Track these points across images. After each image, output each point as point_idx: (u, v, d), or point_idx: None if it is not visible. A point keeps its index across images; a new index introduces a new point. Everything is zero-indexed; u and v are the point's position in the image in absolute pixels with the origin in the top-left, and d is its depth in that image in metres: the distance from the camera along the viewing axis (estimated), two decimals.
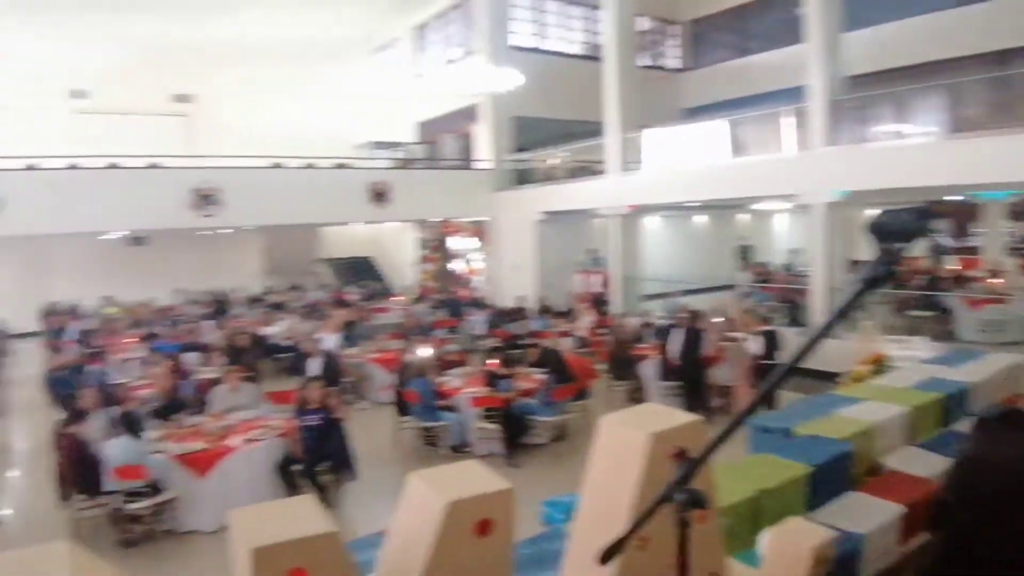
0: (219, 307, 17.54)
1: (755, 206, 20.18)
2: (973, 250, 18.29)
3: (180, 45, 19.48)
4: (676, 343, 9.92)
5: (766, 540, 2.78)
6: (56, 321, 16.54)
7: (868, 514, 3.60)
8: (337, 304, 16.90)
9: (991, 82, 11.83)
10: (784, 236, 22.67)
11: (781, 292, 15.37)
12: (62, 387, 10.05)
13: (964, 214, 17.67)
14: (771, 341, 9.98)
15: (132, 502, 6.39)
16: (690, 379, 9.77)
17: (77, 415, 7.07)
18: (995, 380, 5.49)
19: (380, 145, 21.86)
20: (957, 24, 14.61)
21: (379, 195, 17.21)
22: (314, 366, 9.93)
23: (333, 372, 9.97)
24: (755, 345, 9.45)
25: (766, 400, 8.34)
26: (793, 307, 14.25)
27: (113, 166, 14.99)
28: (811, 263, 12.58)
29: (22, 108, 20.16)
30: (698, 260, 19.62)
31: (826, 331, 1.18)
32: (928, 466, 4.16)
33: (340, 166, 18.17)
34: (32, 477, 8.75)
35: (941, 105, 11.45)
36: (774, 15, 18.82)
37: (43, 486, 7.61)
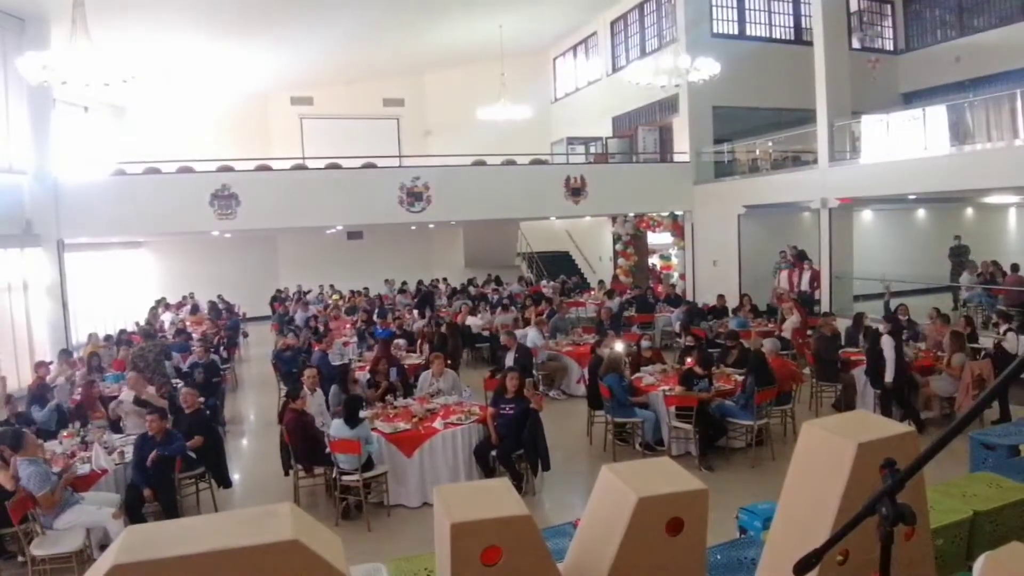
0: (425, 297, 18.57)
1: (985, 199, 18.14)
2: None
3: (392, 53, 20.80)
4: (888, 348, 9.09)
5: (981, 565, 2.52)
6: (283, 307, 18.36)
7: None
8: (534, 297, 17.31)
9: None
10: (1016, 233, 20.29)
11: (1013, 295, 13.72)
12: (288, 366, 11.15)
13: None
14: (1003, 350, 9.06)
15: (347, 474, 6.95)
16: (897, 386, 8.95)
17: (292, 393, 7.74)
18: None
19: (576, 140, 22.07)
20: None
21: (575, 190, 17.40)
22: (509, 358, 10.24)
23: (526, 364, 10.23)
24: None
25: (1000, 413, 7.55)
26: None
27: (333, 166, 16.32)
28: None
29: (254, 115, 22.52)
30: (915, 258, 18.02)
31: None
32: None
33: (537, 162, 18.56)
34: (260, 447, 9.76)
35: None
36: None
37: (270, 456, 8.44)
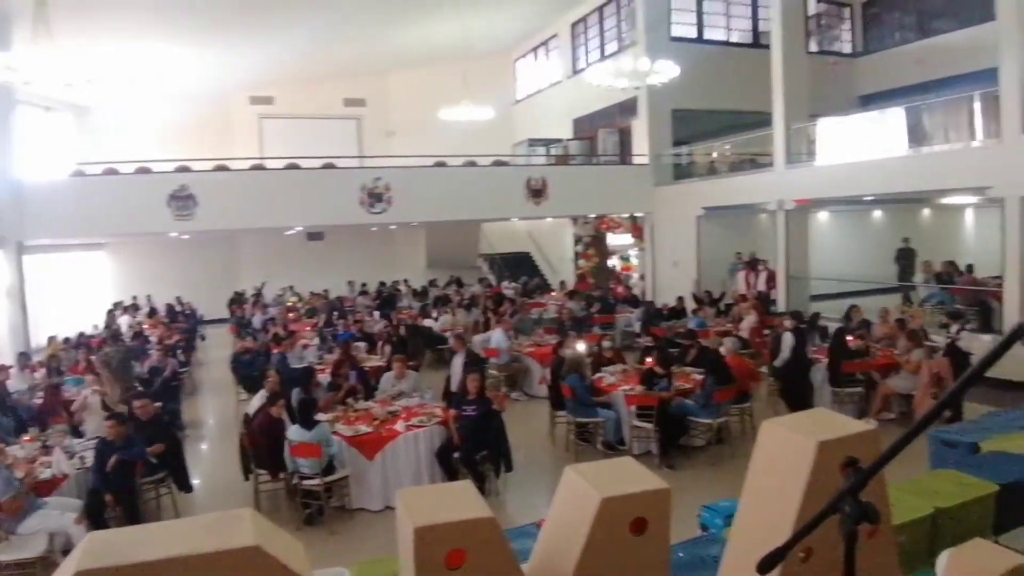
0: (386, 299, 18.45)
1: (941, 200, 18.59)
2: None
3: (354, 53, 20.64)
4: (787, 345, 9.82)
5: (945, 562, 2.57)
6: (242, 309, 18.10)
7: None
8: (495, 298, 17.32)
9: None
10: (971, 234, 20.80)
11: (969, 294, 14.08)
12: (247, 369, 10.99)
13: None
14: (956, 349, 9.30)
15: (308, 479, 6.86)
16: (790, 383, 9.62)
17: (272, 397, 7.63)
18: None
19: (538, 142, 22.13)
20: None
21: (536, 191, 17.44)
22: (457, 361, 10.06)
23: (476, 365, 10.18)
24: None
25: (952, 411, 7.76)
26: (984, 310, 13.00)
27: (293, 167, 16.13)
28: (1005, 263, 11.44)
29: (212, 115, 22.16)
30: (871, 258, 18.38)
31: (1018, 337, 1.08)
32: None
33: (499, 163, 18.56)
34: (220, 451, 9.60)
35: None
36: None
37: (228, 460, 8.32)
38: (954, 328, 10.34)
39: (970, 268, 15.16)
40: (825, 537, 1.49)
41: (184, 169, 15.05)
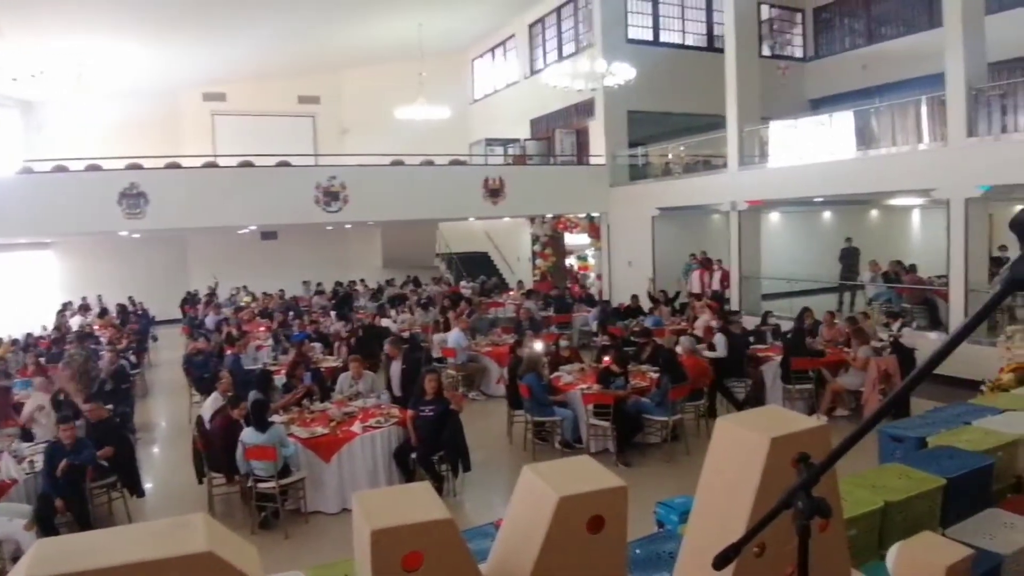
0: (342, 299, 18.26)
1: (890, 201, 19.07)
2: None
3: (308, 49, 20.39)
4: (720, 344, 10.23)
5: (895, 554, 2.63)
6: (194, 309, 17.76)
7: (1010, 534, 3.35)
8: (453, 298, 17.28)
9: None
10: (918, 234, 21.35)
11: (916, 293, 14.46)
12: (200, 370, 10.78)
13: None
14: (903, 346, 9.57)
15: (263, 482, 6.76)
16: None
17: (233, 400, 7.50)
18: None
19: (495, 142, 22.15)
20: None
21: (494, 191, 17.44)
22: (395, 368, 9.84)
23: (425, 365, 10.15)
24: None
25: (898, 407, 7.97)
26: (931, 308, 13.38)
27: (246, 164, 15.87)
28: (950, 262, 11.79)
29: (164, 111, 21.69)
30: (822, 259, 18.77)
31: (964, 335, 1.10)
32: None
33: (456, 163, 18.52)
34: (173, 455, 9.40)
35: None
36: None
37: (183, 464, 8.15)
38: (896, 326, 10.64)
39: (913, 267, 15.58)
40: (779, 532, 1.51)
41: (135, 167, 14.71)
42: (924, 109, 12.42)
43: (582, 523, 1.90)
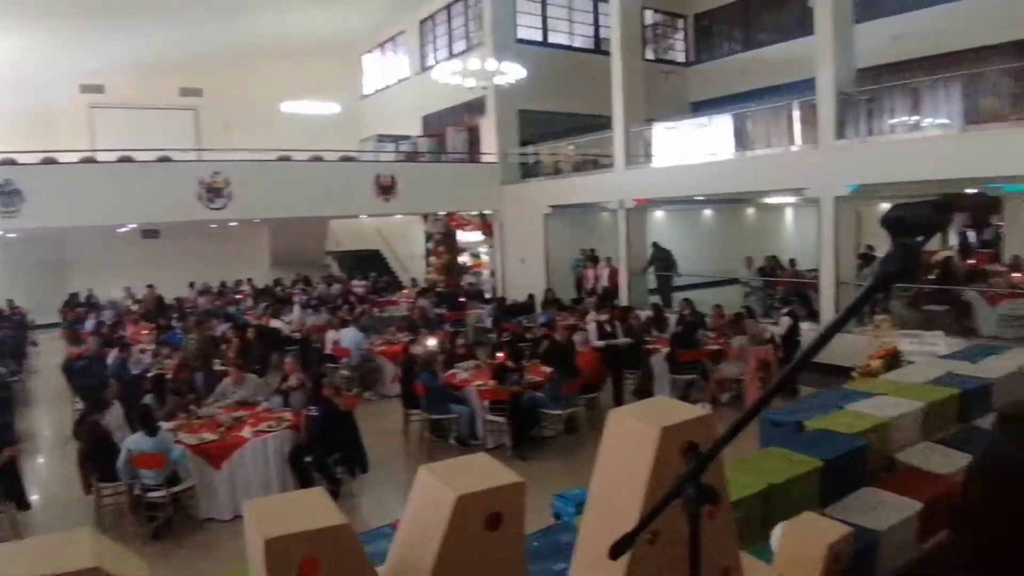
0: (229, 299, 17.60)
1: (766, 200, 20.03)
2: (992, 244, 18.04)
3: (190, 42, 19.50)
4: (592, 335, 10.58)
5: (779, 534, 2.77)
6: (75, 312, 16.70)
7: (884, 511, 3.57)
8: (345, 297, 16.97)
9: (1011, 72, 11.62)
10: (794, 230, 22.50)
11: (790, 286, 15.27)
12: (81, 376, 10.17)
13: (982, 207, 17.38)
14: (791, 335, 10.17)
15: (152, 491, 6.45)
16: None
17: (98, 404, 7.11)
18: (1018, 376, 5.39)
19: (386, 138, 21.87)
20: (974, 14, 14.26)
21: (385, 188, 17.22)
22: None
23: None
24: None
25: (784, 393, 8.40)
26: (805, 301, 14.17)
27: (126, 159, 15.03)
28: (821, 257, 12.52)
29: (39, 103, 20.26)
30: (706, 254, 19.50)
31: (839, 326, 1.17)
32: (946, 463, 4.12)
33: (347, 159, 18.18)
34: (59, 464, 8.86)
35: (957, 96, 11.26)
36: (783, 7, 18.61)
37: (68, 474, 7.72)
38: (784, 312, 11.35)
39: (792, 262, 16.41)
40: (670, 519, 1.55)
41: (9, 162, 13.76)
42: (797, 113, 13.12)
43: (480, 520, 1.90)
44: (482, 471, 2.04)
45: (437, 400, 8.66)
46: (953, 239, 18.13)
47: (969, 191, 13.44)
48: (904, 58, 14.67)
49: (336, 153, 17.84)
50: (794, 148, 13.10)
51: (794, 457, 3.74)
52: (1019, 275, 13.47)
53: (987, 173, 10.62)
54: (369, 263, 23.21)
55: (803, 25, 14.76)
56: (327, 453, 7.28)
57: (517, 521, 1.98)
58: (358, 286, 19.48)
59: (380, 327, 13.99)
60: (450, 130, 20.34)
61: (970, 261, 15.81)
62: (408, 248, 23.29)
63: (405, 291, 19.14)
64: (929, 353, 8.11)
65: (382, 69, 24.20)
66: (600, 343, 10.60)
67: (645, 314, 12.92)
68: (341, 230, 23.60)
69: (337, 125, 20.97)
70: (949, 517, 3.70)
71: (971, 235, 18.76)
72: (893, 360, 8.65)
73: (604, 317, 11.22)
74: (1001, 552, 1.20)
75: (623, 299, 15.32)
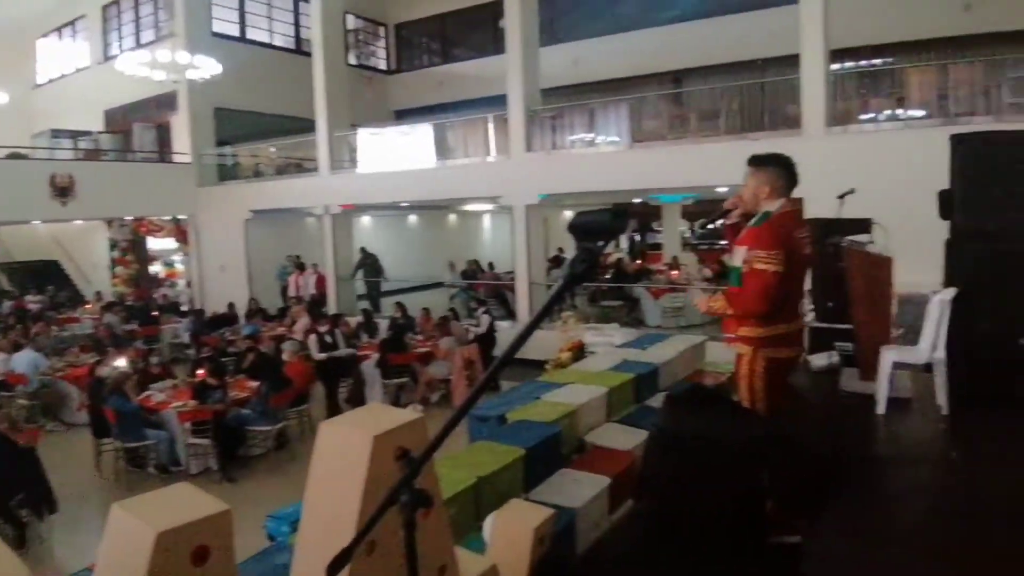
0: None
1: (466, 207, 20.95)
2: (656, 246, 20.87)
3: None
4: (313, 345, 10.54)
5: (491, 524, 2.94)
6: None
7: (578, 489, 3.96)
8: (19, 314, 14.74)
9: (667, 98, 13.49)
10: (492, 236, 23.80)
11: (490, 287, 16.20)
12: None
13: (647, 215, 19.99)
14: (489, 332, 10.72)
15: None
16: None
17: None
18: (679, 359, 6.31)
19: (63, 133, 19.35)
20: (640, 45, 16.16)
21: (62, 189, 15.23)
22: None
23: None
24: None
25: (488, 389, 8.92)
26: (503, 301, 15.13)
27: None
28: (515, 260, 13.46)
29: None
30: (413, 259, 19.89)
31: (537, 324, 1.28)
32: (627, 440, 4.69)
33: (16, 156, 15.82)
34: None
35: (625, 117, 12.80)
36: (477, 25, 19.61)
37: None
38: (480, 311, 12.02)
39: (491, 266, 17.40)
40: (387, 528, 1.59)
41: None
42: (491, 126, 14.02)
43: (186, 556, 1.79)
44: (183, 503, 1.92)
45: (131, 426, 7.89)
46: (624, 242, 20.74)
47: (636, 200, 15.29)
48: (583, 80, 16.31)
49: (3, 150, 15.43)
50: (489, 159, 13.94)
51: (499, 448, 4.00)
52: (676, 273, 15.71)
53: (649, 185, 12.25)
54: (45, 275, 20.36)
55: (496, 44, 15.71)
56: (7, 495, 6.40)
57: (226, 552, 1.90)
58: (33, 302, 17.00)
59: (61, 348, 12.44)
60: (137, 126, 18.58)
61: (638, 261, 18.03)
62: (91, 257, 20.81)
63: (88, 306, 17.06)
64: (608, 344, 9.11)
65: (60, 56, 21.33)
66: (323, 355, 10.36)
67: (355, 320, 12.91)
68: (10, 238, 20.40)
69: (4, 117, 18.12)
70: (632, 488, 4.21)
71: (637, 238, 21.69)
72: (580, 352, 9.59)
73: (324, 328, 10.94)
74: (671, 514, 1.40)
75: (332, 306, 15.12)
